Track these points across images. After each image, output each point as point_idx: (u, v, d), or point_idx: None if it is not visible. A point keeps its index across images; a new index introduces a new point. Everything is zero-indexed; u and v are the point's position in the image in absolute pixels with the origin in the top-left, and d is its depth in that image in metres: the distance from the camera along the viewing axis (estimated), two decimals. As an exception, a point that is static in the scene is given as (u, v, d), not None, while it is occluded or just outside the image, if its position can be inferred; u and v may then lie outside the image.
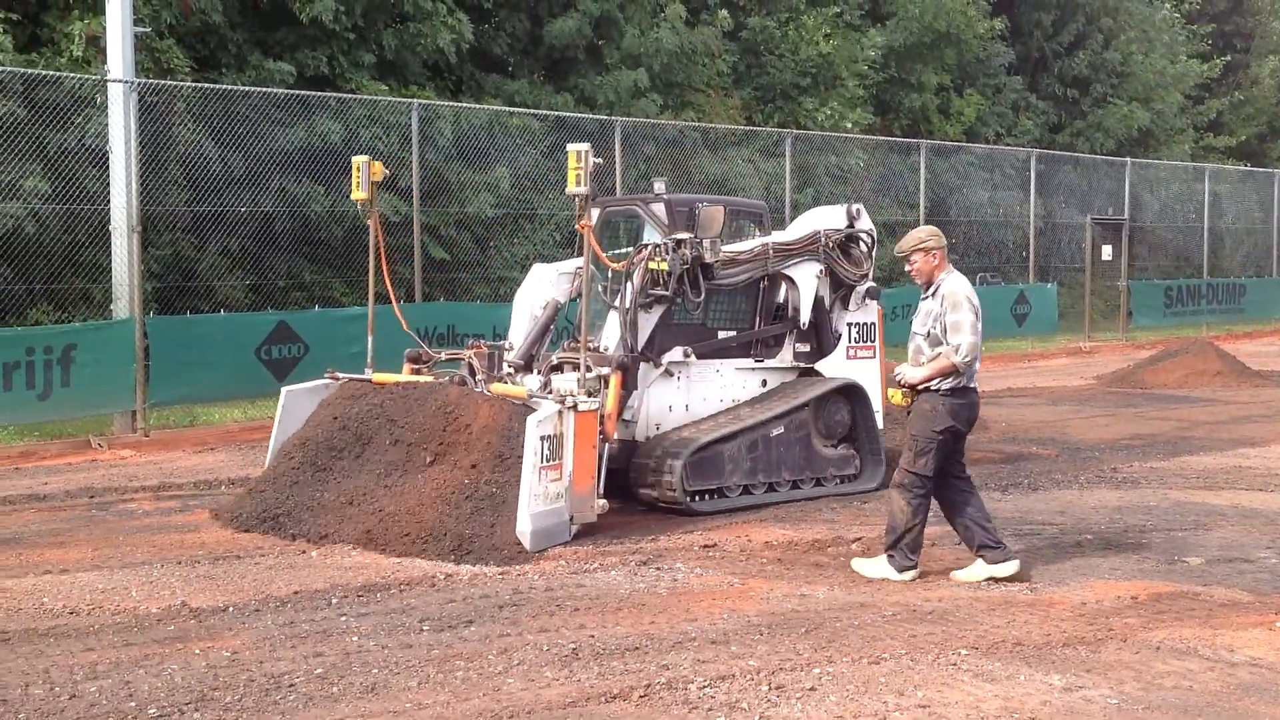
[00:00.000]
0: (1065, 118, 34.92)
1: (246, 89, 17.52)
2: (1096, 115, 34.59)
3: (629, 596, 7.82)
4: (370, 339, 11.31)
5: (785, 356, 11.36)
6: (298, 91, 18.14)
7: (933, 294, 8.31)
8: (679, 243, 10.24)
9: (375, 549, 8.75)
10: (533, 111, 21.23)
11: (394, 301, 11.71)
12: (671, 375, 10.62)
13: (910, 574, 8.21)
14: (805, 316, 11.28)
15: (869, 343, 11.73)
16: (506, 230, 21.80)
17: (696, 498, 10.17)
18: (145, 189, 14.76)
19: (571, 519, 9.11)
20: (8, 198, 14.66)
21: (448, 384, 9.90)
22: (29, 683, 6.21)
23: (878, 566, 8.32)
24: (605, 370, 9.75)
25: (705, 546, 9.15)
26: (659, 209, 10.98)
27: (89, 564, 8.63)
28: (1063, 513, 10.40)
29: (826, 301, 11.53)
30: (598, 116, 21.27)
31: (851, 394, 11.30)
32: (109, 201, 14.35)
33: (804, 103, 27.27)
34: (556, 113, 21.43)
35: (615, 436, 9.76)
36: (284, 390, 10.64)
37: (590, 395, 9.36)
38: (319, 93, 18.55)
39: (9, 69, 14.65)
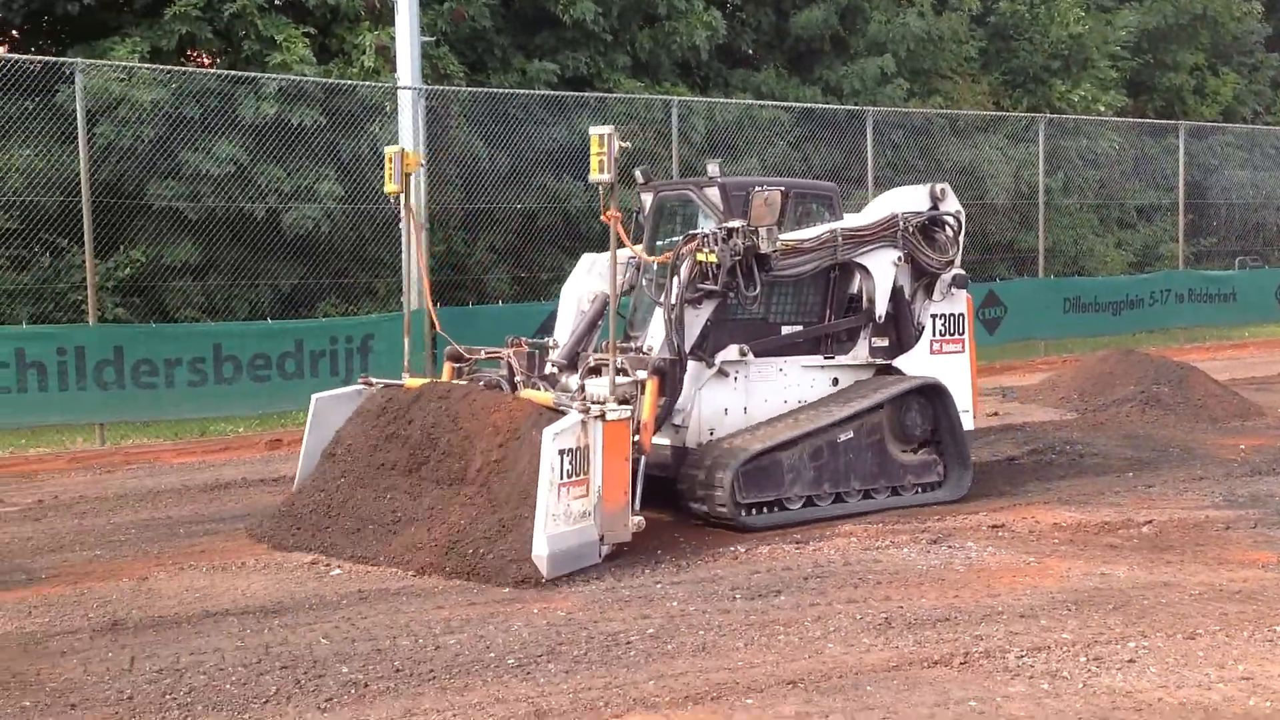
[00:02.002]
0: (1330, 93, 33.27)
1: (514, 91, 18.39)
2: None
3: (928, 572, 8.08)
4: (406, 340, 10.72)
5: (860, 352, 10.41)
6: (560, 92, 18.93)
7: None
8: (730, 232, 9.30)
9: (395, 567, 8.15)
10: (784, 104, 21.55)
11: (428, 299, 10.97)
12: (727, 376, 9.72)
13: None
14: (881, 308, 10.33)
15: (957, 336, 10.86)
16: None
17: (751, 511, 9.30)
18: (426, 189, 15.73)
19: (602, 539, 8.26)
20: (306, 200, 15.83)
21: (475, 389, 9.15)
22: (395, 635, 6.89)
23: None
24: (641, 375, 8.98)
25: (993, 527, 9.31)
26: (713, 194, 10.03)
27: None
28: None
29: (907, 291, 10.54)
30: (847, 106, 21.47)
31: (932, 393, 10.28)
32: (398, 201, 15.30)
33: (1055, 86, 26.78)
34: (807, 105, 21.71)
35: (650, 448, 8.85)
36: (314, 398, 9.94)
37: (624, 402, 8.58)
38: (579, 93, 19.29)
39: (314, 79, 15.80)
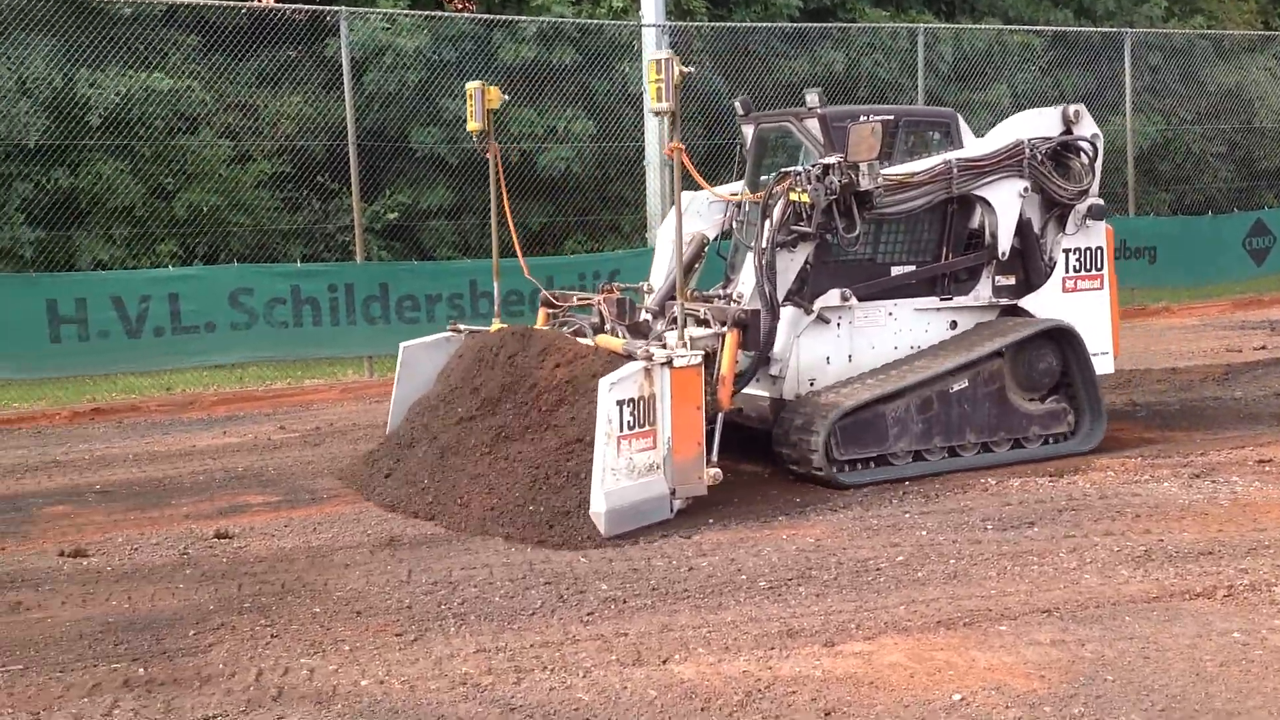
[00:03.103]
0: None
1: (755, 24, 18.34)
2: None
3: (1189, 506, 7.86)
4: (496, 284, 10.43)
5: (982, 293, 9.66)
6: (802, 24, 18.78)
7: None
8: (826, 168, 8.58)
9: (460, 530, 7.74)
10: (1035, 29, 20.84)
11: (515, 242, 10.40)
12: (828, 322, 9.10)
13: None
14: (1005, 244, 9.56)
15: (1094, 272, 9.94)
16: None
17: (848, 467, 8.73)
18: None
19: (674, 493, 7.84)
20: (560, 140, 16.28)
21: (554, 336, 8.84)
22: (649, 557, 7.15)
23: None
24: (721, 328, 8.46)
25: (1260, 462, 8.96)
26: (813, 125, 9.26)
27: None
28: None
29: (1036, 225, 9.76)
30: (1102, 29, 20.60)
31: (1061, 337, 9.52)
32: (643, 139, 15.61)
33: (1331, -1, 25.08)
34: (1059, 28, 20.94)
35: (729, 404, 8.33)
36: (402, 346, 9.71)
37: (709, 357, 8.16)
38: (822, 24, 19.10)
39: (566, 19, 16.17)
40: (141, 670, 5.55)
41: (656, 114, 8.04)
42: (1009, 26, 20.89)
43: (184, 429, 11.77)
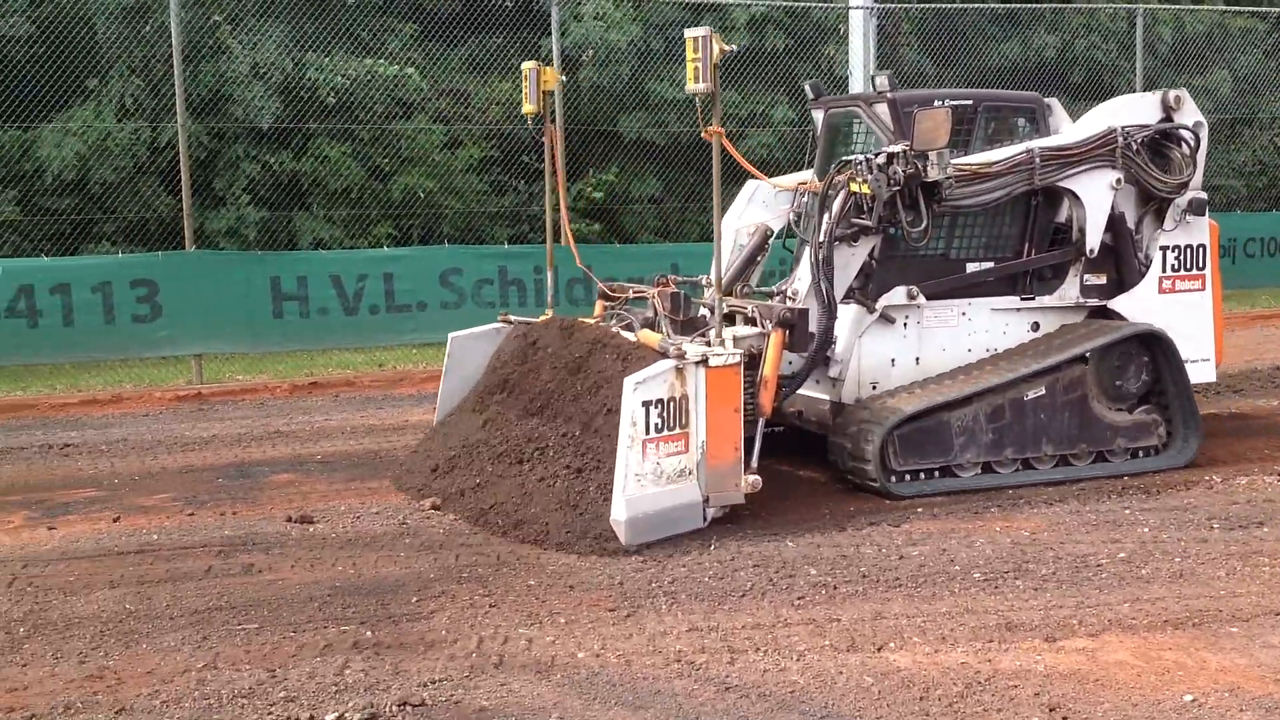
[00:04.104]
0: None
1: (965, 6, 17.95)
2: None
3: None
4: (550, 274, 10.10)
5: (1068, 292, 8.95)
6: (1014, 4, 18.30)
7: None
8: (890, 158, 7.96)
9: (495, 532, 7.37)
10: (1260, 9, 19.91)
11: (566, 230, 9.97)
12: (893, 321, 8.54)
13: None
14: (1094, 240, 8.84)
15: (1194, 271, 9.18)
16: (1223, 136, 20.74)
17: (907, 478, 8.17)
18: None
19: (707, 500, 7.33)
20: (761, 125, 16.24)
21: (597, 330, 8.42)
22: (858, 544, 7.10)
23: None
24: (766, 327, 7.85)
25: None
26: (882, 110, 8.71)
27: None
28: None
29: (1130, 219, 9.07)
30: (1339, 8, 19.55)
31: (1152, 342, 8.81)
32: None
33: None
34: (1288, 8, 19.94)
35: (770, 409, 7.68)
36: (451, 337, 9.36)
37: (753, 357, 7.62)
38: (1035, 4, 18.59)
39: (779, 3, 16.13)
40: (369, 633, 5.76)
41: (693, 95, 7.50)
42: (1232, 9, 19.97)
43: (395, 404, 12.16)
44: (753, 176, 8.94)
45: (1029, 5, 18.47)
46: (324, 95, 15.17)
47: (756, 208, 9.45)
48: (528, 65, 9.32)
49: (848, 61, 15.43)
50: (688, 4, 16.36)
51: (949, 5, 18.03)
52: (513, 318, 9.43)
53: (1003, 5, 18.37)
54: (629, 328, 8.43)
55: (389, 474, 8.89)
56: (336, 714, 4.86)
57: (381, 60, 15.53)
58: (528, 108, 9.37)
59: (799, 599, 6.18)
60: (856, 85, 14.93)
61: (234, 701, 5.00)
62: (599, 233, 17.13)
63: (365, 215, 15.92)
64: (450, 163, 16.42)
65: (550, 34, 14.20)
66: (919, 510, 7.76)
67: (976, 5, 18.17)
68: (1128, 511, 7.66)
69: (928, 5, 17.77)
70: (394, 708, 4.92)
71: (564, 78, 9.46)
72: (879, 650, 5.48)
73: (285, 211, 15.44)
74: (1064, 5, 18.98)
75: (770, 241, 9.31)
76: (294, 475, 9.12)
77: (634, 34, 16.09)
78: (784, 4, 16.45)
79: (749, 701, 4.97)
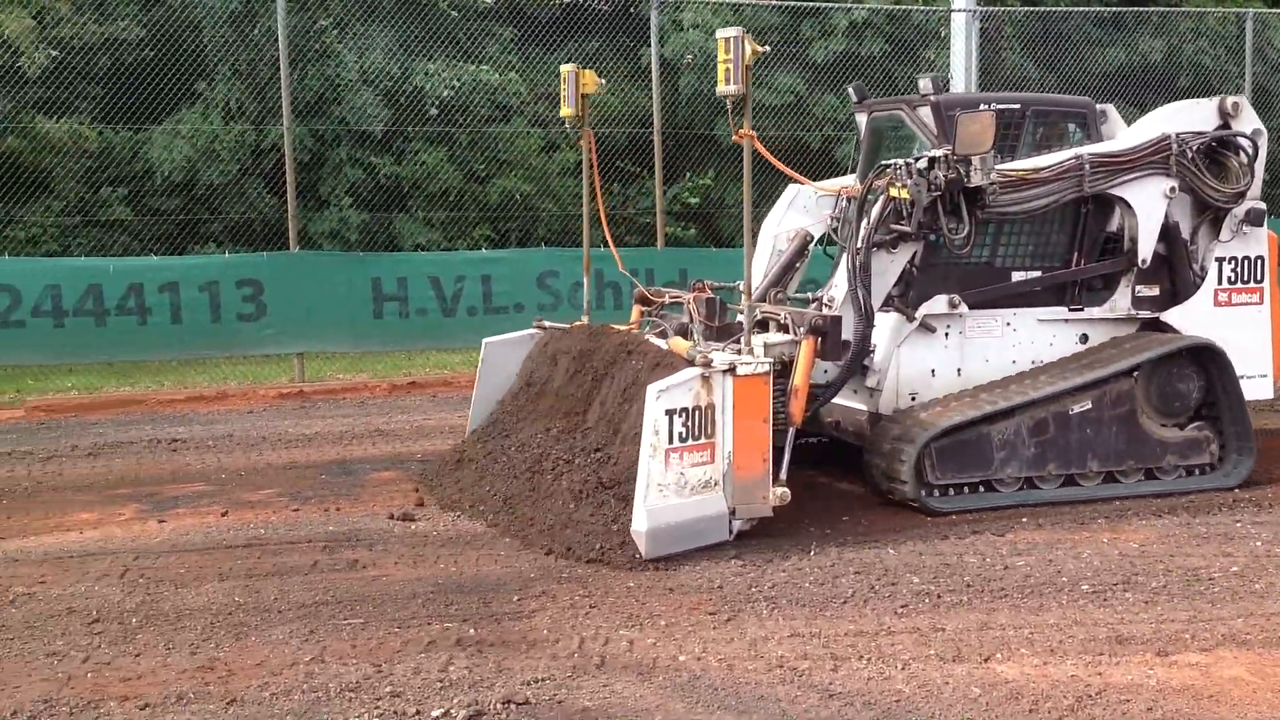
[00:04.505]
0: None
1: (1070, 10, 17.68)
2: None
3: None
4: (586, 280, 9.92)
5: (1119, 303, 8.68)
6: (1117, 8, 17.99)
7: None
8: (931, 162, 7.73)
9: (525, 544, 7.21)
10: (1378, 12, 19.33)
11: (607, 234, 9.75)
12: (934, 331, 8.30)
13: None
14: (1147, 250, 8.56)
15: (1252, 283, 8.85)
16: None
17: (946, 492, 7.96)
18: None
19: (733, 513, 7.14)
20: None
21: (626, 337, 8.24)
22: (961, 553, 7.02)
23: None
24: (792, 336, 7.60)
25: None
26: (925, 114, 8.46)
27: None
28: None
29: (1184, 229, 8.76)
30: None
31: (1205, 356, 8.53)
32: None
33: None
34: None
35: (800, 419, 7.36)
36: (485, 342, 9.28)
37: (785, 364, 7.36)
38: (1141, 8, 18.25)
39: (880, 6, 16.05)
40: (472, 631, 5.81)
41: (722, 97, 7.25)
42: (1350, 11, 19.44)
43: (493, 405, 12.25)
44: (792, 180, 8.80)
45: (1135, 9, 18.13)
46: (429, 106, 15.38)
47: (797, 213, 9.25)
48: (566, 68, 9.18)
49: (948, 65, 15.26)
50: (787, 8, 16.32)
51: (1053, 8, 17.77)
52: (547, 323, 9.37)
53: (1108, 9, 18.06)
54: (663, 335, 8.33)
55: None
56: (442, 710, 4.91)
57: (485, 67, 15.69)
58: (565, 111, 9.22)
59: (902, 607, 6.12)
60: (958, 89, 14.77)
61: (341, 695, 5.07)
62: (695, 237, 17.13)
63: (463, 218, 16.09)
64: (547, 166, 16.53)
65: (650, 42, 14.23)
66: (1023, 520, 7.66)
67: (1081, 8, 17.88)
68: (1239, 525, 7.50)
69: (1031, 8, 17.52)
70: (498, 705, 4.96)
71: (602, 81, 9.37)
72: (986, 661, 5.41)
73: (385, 213, 15.65)
74: (1171, 9, 18.60)
75: (810, 247, 9.12)
76: (394, 473, 9.22)
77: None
78: (885, 7, 16.32)
79: (854, 709, 4.93)
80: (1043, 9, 17.64)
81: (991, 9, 16.44)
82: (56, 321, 12.26)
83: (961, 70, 14.85)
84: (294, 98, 13.69)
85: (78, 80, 14.83)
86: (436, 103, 15.42)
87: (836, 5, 16.34)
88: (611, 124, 16.46)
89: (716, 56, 7.19)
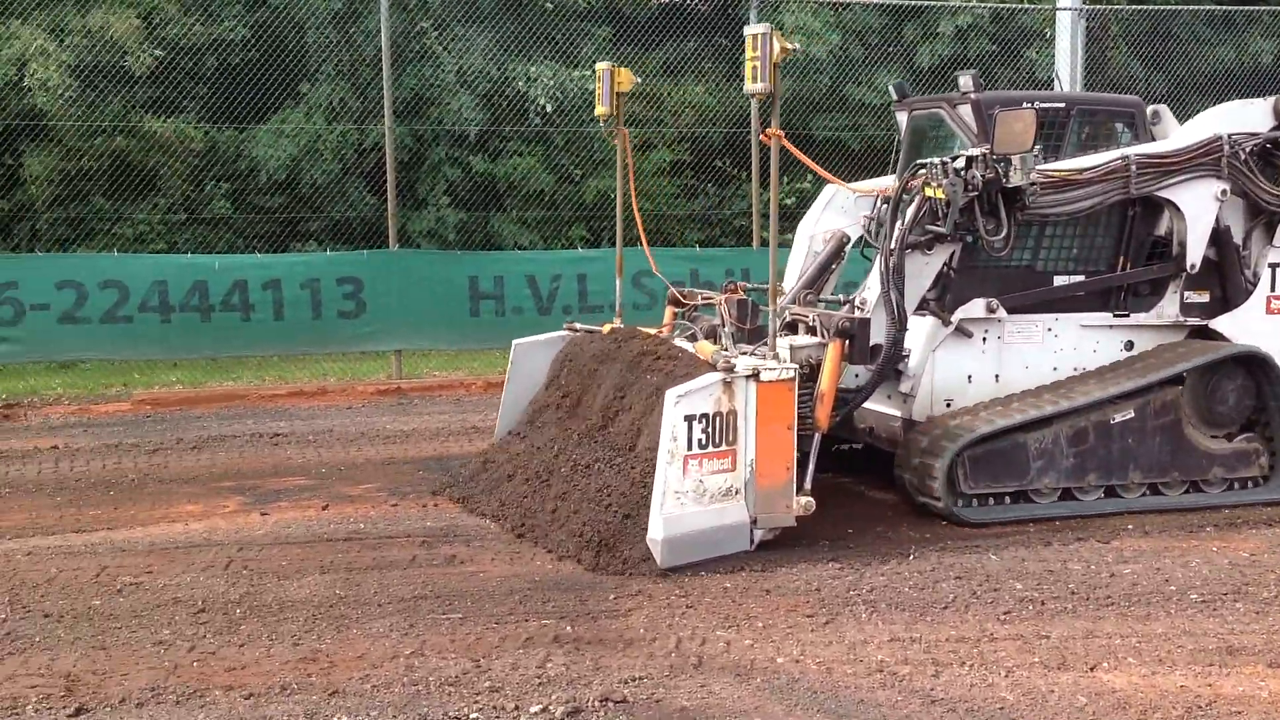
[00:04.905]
0: None
1: (1178, 8, 17.29)
2: None
3: None
4: (619, 281, 9.76)
5: (1167, 310, 8.39)
6: (1230, 7, 17.56)
7: None
8: (969, 161, 7.46)
9: (541, 547, 7.13)
10: None
11: (642, 236, 9.47)
12: (971, 336, 8.04)
13: None
14: (1196, 255, 8.27)
15: None
16: None
17: (980, 501, 7.72)
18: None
19: (755, 522, 6.93)
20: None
21: (652, 340, 8.08)
22: (1065, 560, 6.89)
23: None
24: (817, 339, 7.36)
25: None
26: (965, 112, 8.29)
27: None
28: None
29: (1237, 234, 8.44)
30: None
31: (1255, 365, 8.21)
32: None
33: None
34: None
35: (826, 424, 7.15)
36: (514, 344, 9.12)
37: (812, 368, 7.17)
38: (1251, 7, 17.80)
39: (984, 5, 15.85)
40: (569, 628, 5.82)
41: (750, 95, 7.04)
42: None
43: (588, 404, 12.29)
44: (827, 181, 8.63)
45: (1245, 8, 17.68)
46: (533, 115, 15.51)
47: (834, 213, 9.04)
48: (601, 66, 8.98)
49: (1052, 64, 15.02)
50: (890, 8, 16.17)
51: (1160, 7, 17.39)
52: (578, 326, 9.24)
53: (1218, 7, 17.63)
54: (692, 338, 8.17)
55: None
56: (540, 705, 4.92)
57: (588, 73, 15.76)
58: (600, 109, 8.99)
59: (1005, 614, 6.02)
60: (1064, 89, 14.52)
61: (441, 689, 5.10)
62: (792, 239, 17.04)
63: (559, 217, 16.16)
64: (642, 165, 16.54)
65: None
66: (1129, 527, 7.51)
67: (1190, 7, 17.47)
68: (1351, 537, 7.27)
69: (1138, 7, 17.16)
70: (596, 703, 4.96)
71: (639, 79, 9.16)
72: (1092, 670, 5.29)
73: (482, 213, 15.77)
74: (1283, 7, 18.14)
75: (847, 249, 8.88)
76: (491, 470, 9.27)
77: (833, 42, 15.98)
78: (989, 5, 16.09)
79: (956, 716, 4.85)
80: (1150, 7, 17.26)
81: (1097, 7, 16.14)
82: (163, 317, 12.53)
83: (1067, 69, 14.60)
84: (394, 98, 13.86)
85: (184, 80, 15.13)
86: (539, 112, 15.52)
87: (940, 4, 16.14)
88: (708, 124, 16.44)
89: (745, 54, 6.98)
